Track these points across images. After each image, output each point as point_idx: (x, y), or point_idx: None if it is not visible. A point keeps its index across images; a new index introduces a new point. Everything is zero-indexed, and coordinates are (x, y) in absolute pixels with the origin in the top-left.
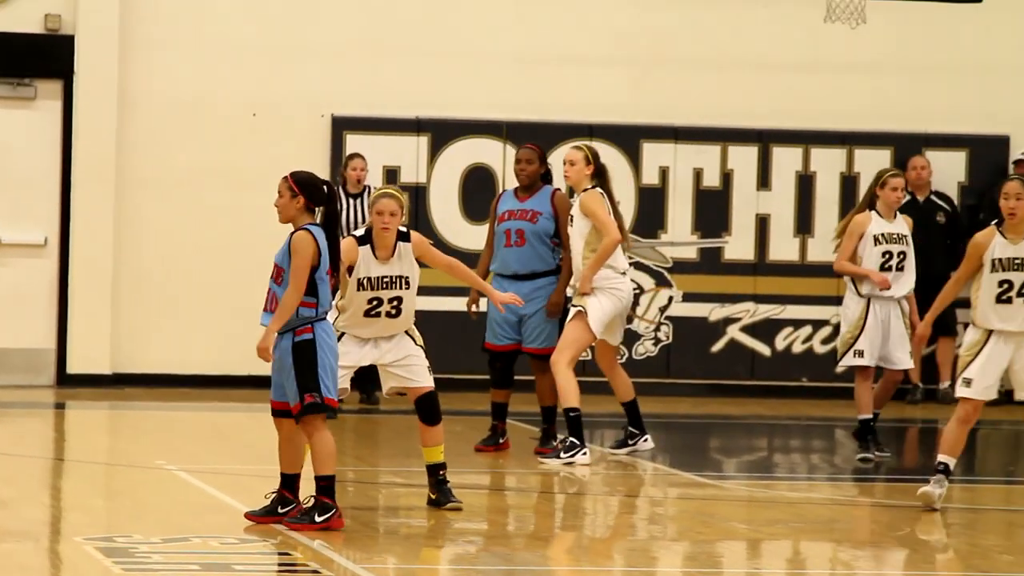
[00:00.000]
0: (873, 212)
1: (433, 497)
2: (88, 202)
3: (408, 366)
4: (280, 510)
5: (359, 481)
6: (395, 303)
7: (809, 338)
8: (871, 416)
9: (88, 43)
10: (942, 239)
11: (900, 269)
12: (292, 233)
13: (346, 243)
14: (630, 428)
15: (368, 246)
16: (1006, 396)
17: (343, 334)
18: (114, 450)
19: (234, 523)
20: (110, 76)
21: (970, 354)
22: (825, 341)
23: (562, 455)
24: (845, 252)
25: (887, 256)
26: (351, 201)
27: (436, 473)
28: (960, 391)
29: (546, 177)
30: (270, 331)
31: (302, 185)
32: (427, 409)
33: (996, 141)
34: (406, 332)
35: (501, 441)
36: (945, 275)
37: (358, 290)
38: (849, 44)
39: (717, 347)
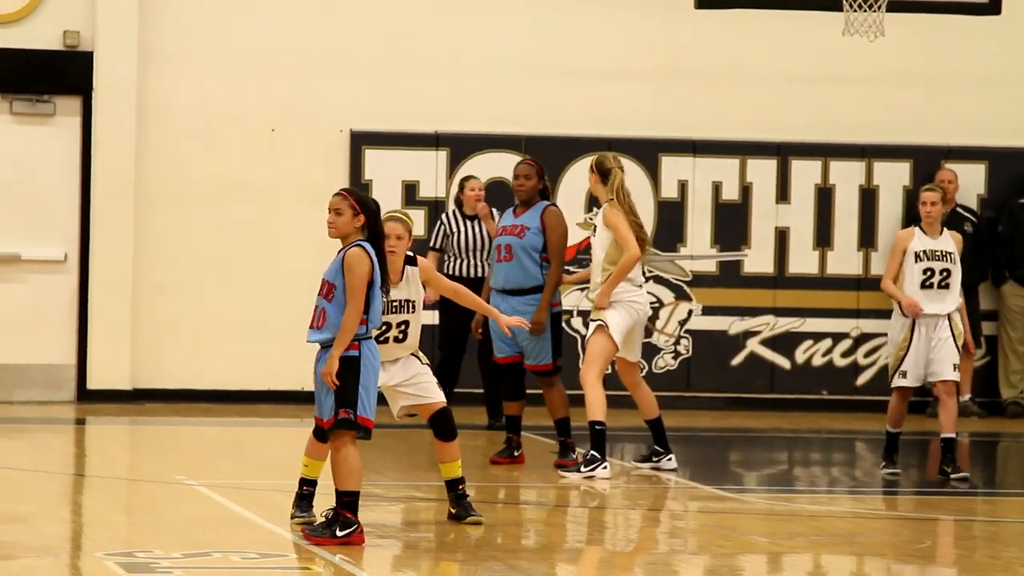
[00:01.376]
0: (917, 228)
1: (453, 511)
2: (108, 218)
3: (418, 384)
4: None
5: (378, 495)
6: (403, 327)
7: (829, 351)
8: (898, 431)
9: (107, 59)
10: (969, 249)
11: (944, 287)
12: (343, 250)
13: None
14: (655, 446)
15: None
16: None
17: None
18: (134, 465)
19: (255, 537)
20: (129, 92)
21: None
22: (845, 354)
23: (582, 468)
24: (890, 270)
25: (928, 273)
26: (468, 223)
27: (455, 488)
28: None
29: (544, 193)
30: (334, 356)
31: (362, 203)
32: (442, 425)
33: (1016, 153)
34: (411, 353)
35: (516, 454)
36: (972, 286)
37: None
38: (867, 57)
39: (737, 360)
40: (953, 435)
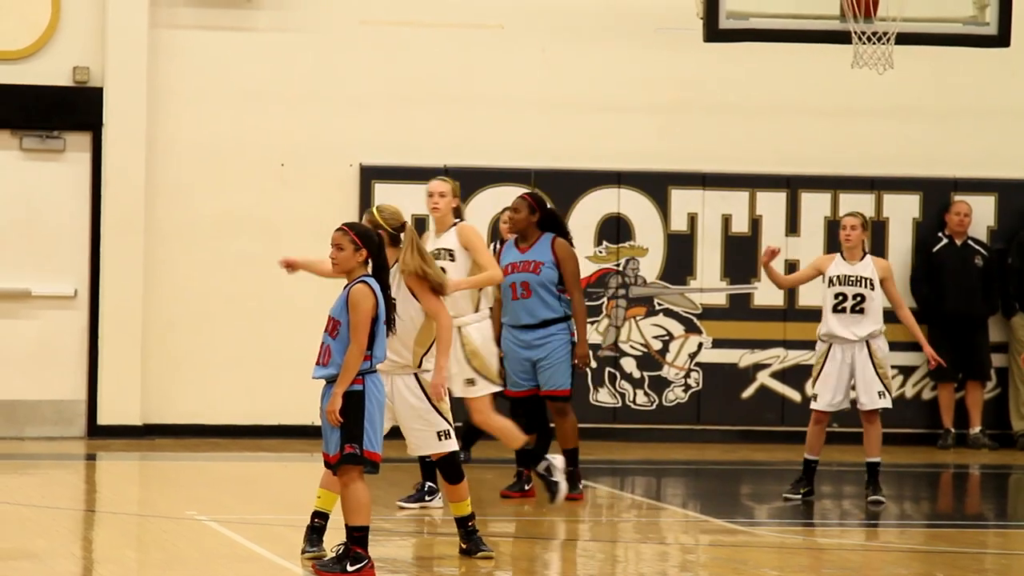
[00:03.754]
0: (838, 254)
1: (464, 547)
2: (117, 253)
3: (421, 431)
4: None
5: (388, 530)
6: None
7: None
8: (815, 459)
9: (116, 95)
10: (980, 282)
11: (858, 311)
12: (348, 287)
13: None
14: (428, 482)
15: None
16: None
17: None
18: (145, 501)
19: (265, 573)
20: (138, 128)
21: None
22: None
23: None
24: (792, 277)
25: (840, 298)
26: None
27: (465, 525)
28: (812, 404)
29: (543, 224)
30: (337, 394)
31: (364, 237)
32: (447, 469)
33: None
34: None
35: (527, 488)
36: (982, 318)
37: None
38: (877, 90)
39: (747, 393)
40: (877, 460)
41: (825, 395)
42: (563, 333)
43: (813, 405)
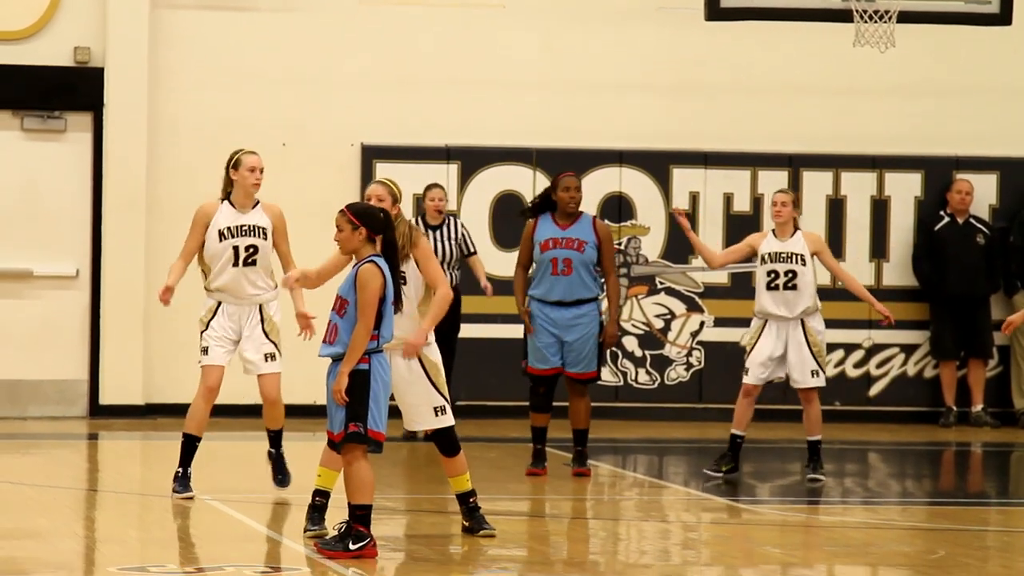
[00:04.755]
0: (770, 232)
1: (467, 524)
2: (119, 233)
3: (417, 406)
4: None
5: (390, 508)
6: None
7: (841, 362)
8: (741, 434)
9: (118, 75)
10: (982, 260)
11: (791, 288)
12: (356, 266)
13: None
14: None
15: None
16: None
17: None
18: (147, 480)
19: (268, 551)
20: (140, 107)
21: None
22: (857, 365)
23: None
24: (724, 253)
25: (773, 275)
26: (431, 232)
27: (466, 501)
28: (744, 377)
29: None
30: (343, 373)
31: (361, 216)
32: (442, 441)
33: None
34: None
35: (545, 465)
36: (986, 295)
37: None
38: (879, 68)
39: None
40: (817, 438)
41: (756, 369)
42: (593, 313)
43: (744, 379)
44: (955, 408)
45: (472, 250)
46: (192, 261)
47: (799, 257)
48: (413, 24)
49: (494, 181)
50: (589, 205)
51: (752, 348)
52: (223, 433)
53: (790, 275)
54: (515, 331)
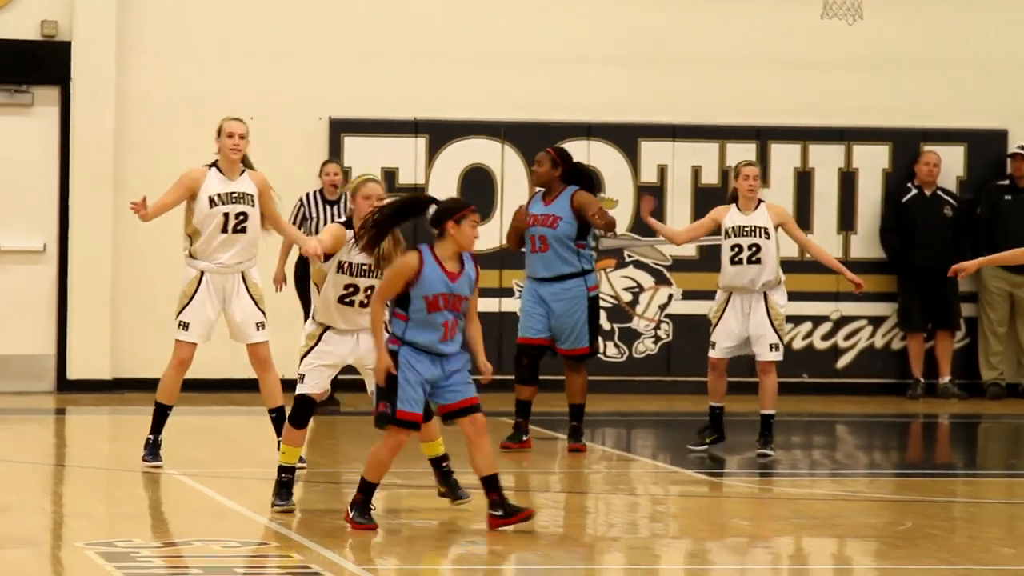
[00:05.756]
0: (733, 205)
1: (442, 491)
2: (87, 208)
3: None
4: (494, 512)
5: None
6: (370, 292)
7: (809, 334)
8: (719, 405)
9: (85, 49)
10: (950, 232)
11: (754, 262)
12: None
13: (334, 227)
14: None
15: (352, 231)
16: (1008, 389)
17: (325, 330)
18: (115, 455)
19: (235, 526)
20: (107, 81)
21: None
22: (825, 337)
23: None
24: (688, 229)
25: (736, 249)
26: (328, 208)
27: (439, 465)
28: (710, 351)
29: (568, 177)
30: (380, 349)
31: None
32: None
33: (994, 135)
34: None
35: (524, 439)
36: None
37: (337, 273)
38: (846, 40)
39: None
40: (770, 412)
41: (722, 342)
42: (579, 288)
43: (710, 353)
44: (923, 380)
45: None
46: (164, 215)
47: (763, 231)
48: None
49: (462, 155)
50: None
51: (717, 322)
52: (192, 408)
53: (754, 248)
54: (492, 305)
